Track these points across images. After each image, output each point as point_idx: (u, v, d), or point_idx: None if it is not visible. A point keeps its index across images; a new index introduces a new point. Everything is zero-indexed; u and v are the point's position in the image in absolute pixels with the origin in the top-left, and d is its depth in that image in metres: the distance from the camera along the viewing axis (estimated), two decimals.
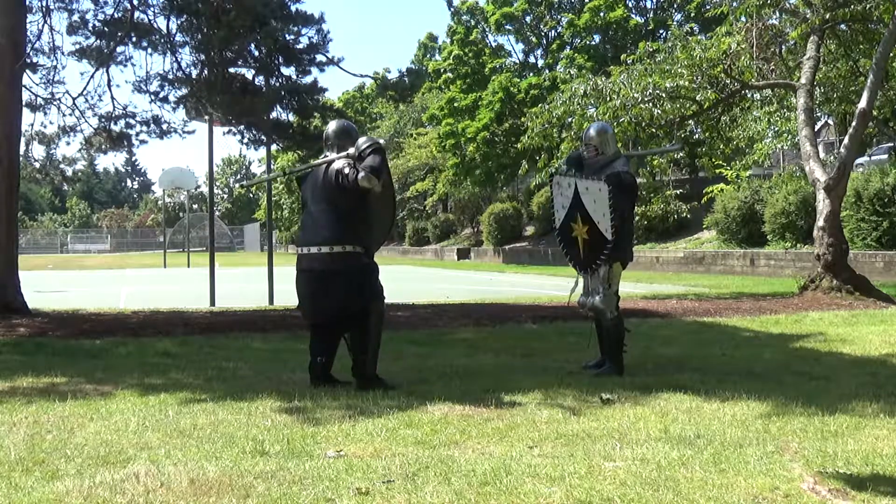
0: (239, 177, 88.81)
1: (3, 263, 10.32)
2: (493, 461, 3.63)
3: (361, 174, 5.24)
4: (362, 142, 5.45)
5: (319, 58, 11.79)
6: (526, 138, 15.60)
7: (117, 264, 36.58)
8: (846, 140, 12.60)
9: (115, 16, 11.71)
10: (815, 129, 15.64)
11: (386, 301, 5.64)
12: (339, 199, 5.37)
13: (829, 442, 3.94)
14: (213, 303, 13.36)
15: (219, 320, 10.03)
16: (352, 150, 5.40)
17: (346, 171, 5.33)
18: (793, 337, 8.16)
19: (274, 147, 14.62)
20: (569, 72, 20.64)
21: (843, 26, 13.52)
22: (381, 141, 5.65)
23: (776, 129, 22.80)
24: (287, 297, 14.35)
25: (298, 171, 5.66)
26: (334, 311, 5.41)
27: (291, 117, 12.42)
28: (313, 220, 5.50)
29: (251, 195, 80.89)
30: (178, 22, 11.57)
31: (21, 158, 11.58)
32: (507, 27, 34.86)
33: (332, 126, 5.77)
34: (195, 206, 66.06)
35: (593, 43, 32.27)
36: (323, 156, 5.64)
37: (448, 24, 37.12)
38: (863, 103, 12.24)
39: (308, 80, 11.99)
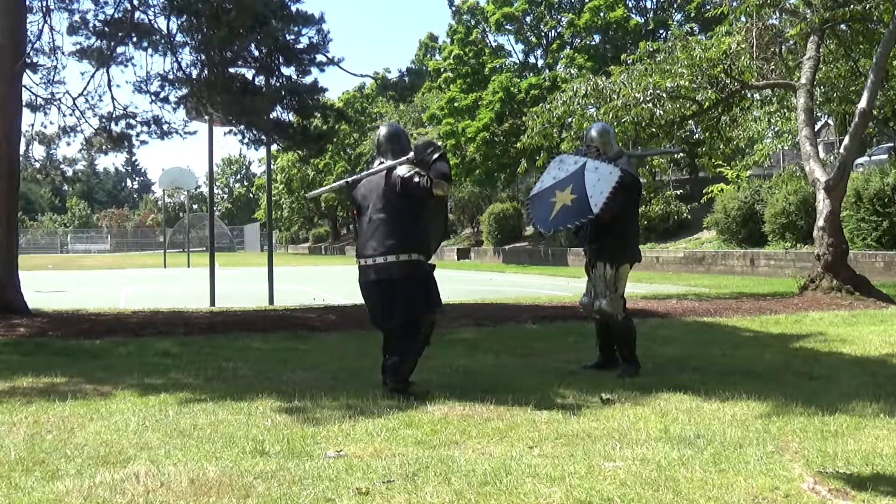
0: (239, 177, 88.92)
1: (3, 263, 10.31)
2: (493, 461, 3.63)
3: (436, 182, 5.22)
4: (422, 147, 5.42)
5: (319, 58, 11.77)
6: (526, 138, 15.59)
7: (117, 264, 36.55)
8: (846, 140, 12.59)
9: (116, 16, 11.69)
10: (815, 129, 15.63)
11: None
12: (402, 205, 5.30)
13: (829, 442, 3.94)
14: (213, 303, 13.36)
15: (219, 320, 10.01)
16: (412, 155, 5.36)
17: (417, 179, 5.25)
18: (793, 337, 8.16)
19: (274, 147, 14.61)
20: (569, 72, 20.61)
21: (843, 26, 13.51)
22: (438, 142, 5.63)
23: (776, 129, 22.86)
24: (287, 297, 14.44)
25: (362, 177, 5.55)
26: (402, 318, 5.33)
27: (291, 117, 12.40)
28: (375, 228, 5.36)
29: (251, 195, 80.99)
30: (178, 22, 11.56)
31: (21, 158, 11.56)
32: (508, 27, 34.82)
33: (382, 131, 5.69)
34: (195, 206, 66.09)
35: (593, 43, 32.26)
36: (378, 162, 5.54)
37: (448, 23, 37.12)
38: (863, 103, 12.23)
39: (308, 80, 11.98)
